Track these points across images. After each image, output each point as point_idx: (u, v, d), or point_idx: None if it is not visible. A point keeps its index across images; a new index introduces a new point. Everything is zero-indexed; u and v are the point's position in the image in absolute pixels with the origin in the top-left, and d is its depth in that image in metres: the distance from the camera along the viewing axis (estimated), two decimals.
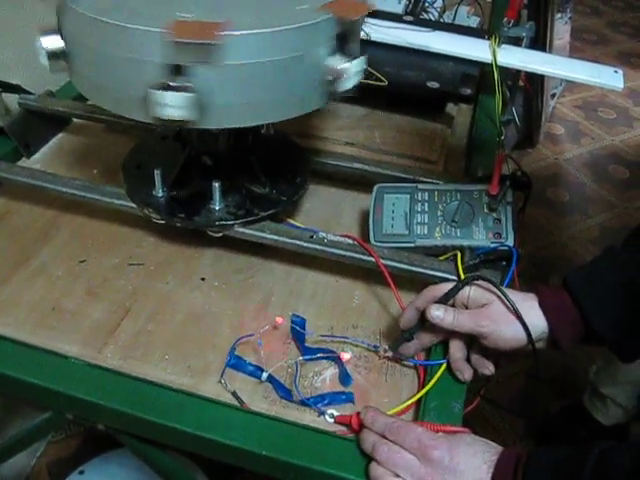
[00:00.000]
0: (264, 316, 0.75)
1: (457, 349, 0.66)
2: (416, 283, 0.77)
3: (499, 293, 0.64)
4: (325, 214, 0.91)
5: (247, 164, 0.82)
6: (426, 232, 0.80)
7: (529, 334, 0.62)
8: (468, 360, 0.67)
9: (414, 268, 0.74)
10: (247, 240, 0.79)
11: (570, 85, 2.96)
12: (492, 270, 0.74)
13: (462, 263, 0.74)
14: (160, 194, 0.80)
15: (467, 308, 0.66)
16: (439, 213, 0.81)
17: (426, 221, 0.80)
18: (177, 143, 0.84)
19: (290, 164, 0.87)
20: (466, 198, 0.81)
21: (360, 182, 0.92)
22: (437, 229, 0.80)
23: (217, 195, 0.77)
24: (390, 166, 0.90)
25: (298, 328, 0.71)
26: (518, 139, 2.53)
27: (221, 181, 0.77)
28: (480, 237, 0.78)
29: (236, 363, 0.70)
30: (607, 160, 2.60)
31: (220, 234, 0.79)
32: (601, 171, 2.53)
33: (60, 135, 1.04)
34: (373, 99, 1.10)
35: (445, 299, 0.66)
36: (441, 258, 0.80)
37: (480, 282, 0.66)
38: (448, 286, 0.67)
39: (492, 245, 0.78)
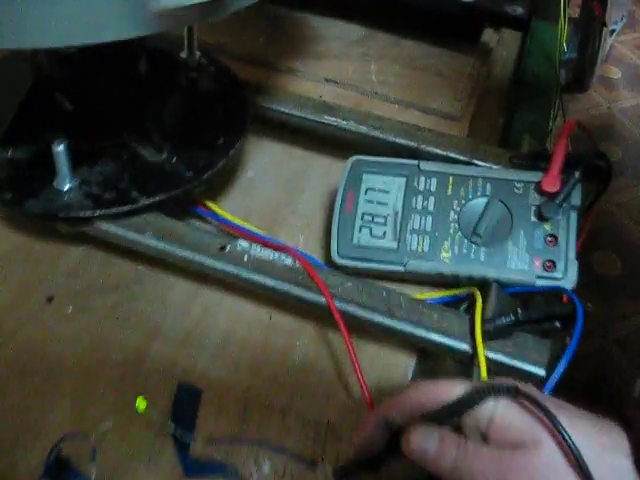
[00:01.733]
0: (132, 382, 0.44)
1: None
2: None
3: (554, 429, 0.31)
4: (274, 195, 0.57)
5: (135, 111, 0.49)
6: (426, 248, 0.46)
7: None
8: None
9: (393, 323, 0.41)
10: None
11: (632, 21, 2.52)
12: (535, 338, 0.41)
13: (482, 319, 0.41)
14: None
15: (486, 440, 0.33)
16: (452, 216, 0.47)
17: (428, 229, 0.47)
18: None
19: (216, 113, 0.53)
20: (501, 193, 0.47)
21: (337, 144, 0.59)
22: (446, 244, 0.46)
23: (64, 165, 0.44)
24: (382, 124, 0.55)
25: (179, 434, 0.39)
26: (567, 80, 2.13)
27: (80, 139, 0.44)
28: (519, 266, 0.45)
29: (58, 475, 0.39)
30: None
31: (77, 230, 0.47)
32: None
33: None
34: (374, 16, 0.74)
35: (443, 415, 0.33)
36: (445, 293, 0.47)
37: (520, 397, 0.33)
38: (452, 390, 0.34)
39: (539, 283, 0.45)
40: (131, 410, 0.41)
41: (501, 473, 0.31)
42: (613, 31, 2.39)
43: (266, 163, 0.60)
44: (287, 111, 0.57)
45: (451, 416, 0.33)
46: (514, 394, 0.32)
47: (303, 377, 0.45)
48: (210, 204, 0.53)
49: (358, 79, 0.67)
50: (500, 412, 0.32)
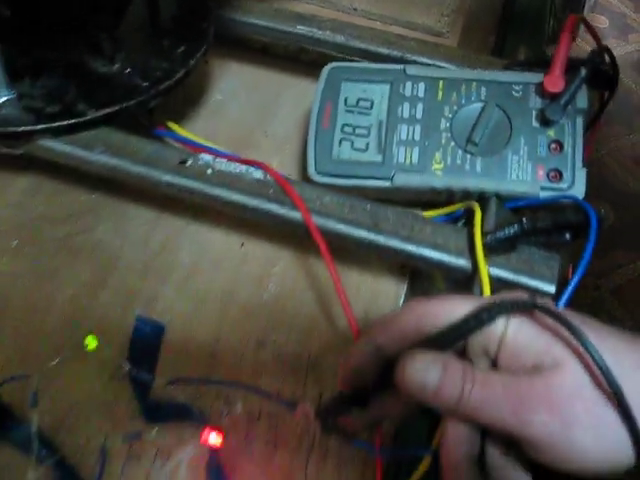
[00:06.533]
0: (84, 319, 0.38)
1: (458, 440, 0.29)
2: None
3: (580, 347, 0.26)
4: (244, 117, 0.52)
5: (83, 18, 0.43)
6: (416, 160, 0.41)
7: None
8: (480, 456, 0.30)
9: (380, 238, 0.36)
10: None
11: None
12: (542, 251, 0.36)
13: (482, 233, 0.36)
14: None
15: (497, 366, 0.28)
16: (443, 124, 0.42)
17: (417, 138, 0.42)
18: None
19: (175, 21, 0.47)
20: (498, 96, 0.42)
21: (314, 64, 0.53)
22: (437, 155, 0.41)
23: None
24: (361, 33, 0.50)
25: (137, 374, 0.34)
26: (553, 28, 2.07)
27: (19, 48, 0.38)
28: (520, 176, 0.40)
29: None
30: None
31: (20, 150, 0.41)
32: None
33: None
34: None
35: (447, 339, 0.28)
36: (438, 211, 0.42)
37: (536, 311, 0.28)
38: (454, 308, 0.28)
39: (543, 194, 0.40)
40: (82, 350, 0.36)
41: (517, 403, 0.26)
42: None
43: (235, 86, 0.54)
44: (255, 21, 0.51)
45: (456, 339, 0.28)
46: (531, 309, 0.27)
47: (280, 308, 0.40)
48: (171, 124, 0.47)
49: None
50: (512, 332, 0.27)
